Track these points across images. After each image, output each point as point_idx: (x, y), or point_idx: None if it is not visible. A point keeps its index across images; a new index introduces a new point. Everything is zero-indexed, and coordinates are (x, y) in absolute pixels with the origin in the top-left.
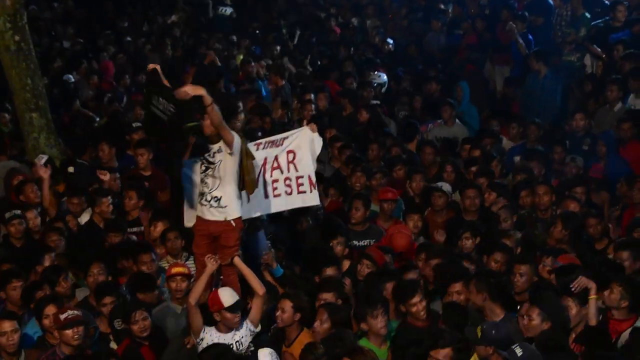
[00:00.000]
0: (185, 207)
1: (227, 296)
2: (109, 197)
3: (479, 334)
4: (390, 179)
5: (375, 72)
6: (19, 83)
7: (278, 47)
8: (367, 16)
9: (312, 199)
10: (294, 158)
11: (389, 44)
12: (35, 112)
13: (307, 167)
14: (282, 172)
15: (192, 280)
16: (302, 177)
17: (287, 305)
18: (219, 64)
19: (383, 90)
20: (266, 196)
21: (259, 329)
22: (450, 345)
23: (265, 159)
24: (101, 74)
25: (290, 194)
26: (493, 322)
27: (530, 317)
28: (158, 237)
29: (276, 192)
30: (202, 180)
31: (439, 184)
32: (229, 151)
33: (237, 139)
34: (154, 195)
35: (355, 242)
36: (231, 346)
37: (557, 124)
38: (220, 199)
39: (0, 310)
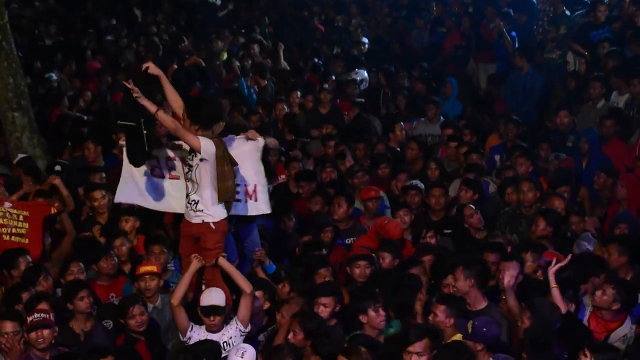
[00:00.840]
0: (120, 183)
1: (207, 297)
2: (102, 191)
3: (469, 329)
4: (374, 177)
5: (355, 70)
6: (1, 82)
7: (255, 46)
8: (352, 15)
9: (248, 208)
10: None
11: (364, 43)
12: (17, 112)
13: (246, 176)
14: None
15: (162, 278)
16: (238, 185)
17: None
18: (204, 65)
19: (362, 87)
20: None
21: (249, 328)
22: (425, 335)
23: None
24: (85, 73)
25: None
26: (485, 318)
27: (522, 321)
28: (129, 232)
29: None
30: (185, 183)
31: (414, 181)
32: (200, 156)
33: (207, 145)
34: None
35: (347, 241)
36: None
37: (538, 120)
38: (197, 203)
39: None
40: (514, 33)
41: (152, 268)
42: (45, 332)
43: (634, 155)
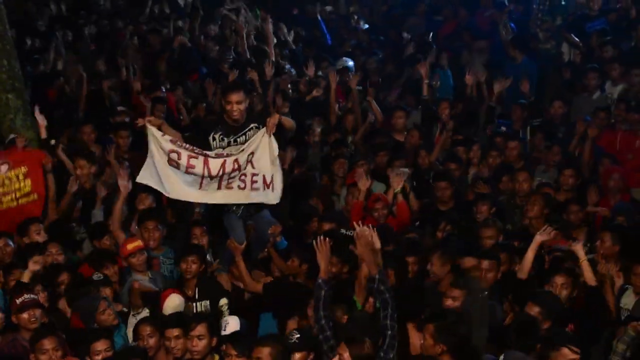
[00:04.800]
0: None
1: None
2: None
3: None
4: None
5: (343, 58)
6: None
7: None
8: (351, 3)
9: (264, 196)
10: (252, 157)
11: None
12: (11, 93)
13: (264, 167)
14: (240, 170)
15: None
16: (257, 174)
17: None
18: (189, 44)
19: (351, 75)
20: (219, 188)
21: None
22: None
23: (225, 161)
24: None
25: (244, 188)
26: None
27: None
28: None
29: (229, 186)
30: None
31: (400, 168)
32: None
33: None
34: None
35: (343, 231)
36: None
37: (534, 111)
38: None
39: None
40: (512, 24)
41: (139, 243)
42: (37, 311)
43: (633, 147)
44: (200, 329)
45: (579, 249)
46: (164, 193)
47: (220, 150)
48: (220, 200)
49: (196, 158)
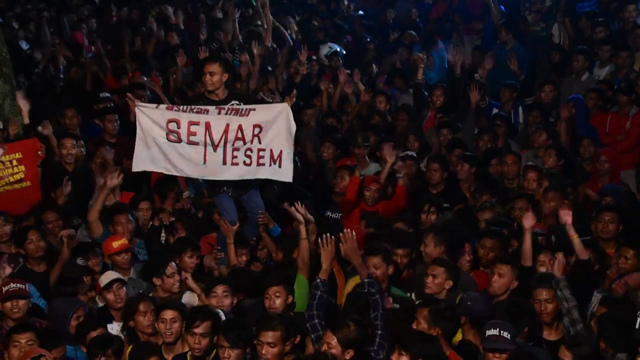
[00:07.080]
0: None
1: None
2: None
3: (457, 301)
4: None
5: (327, 44)
6: None
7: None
8: None
9: (271, 172)
10: (259, 132)
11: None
12: None
13: (274, 141)
14: (244, 143)
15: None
16: (264, 150)
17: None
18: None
19: (340, 59)
20: (224, 163)
21: None
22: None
23: (228, 125)
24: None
25: (249, 164)
26: (473, 293)
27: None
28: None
29: (234, 161)
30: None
31: (408, 152)
32: None
33: None
34: (119, 162)
35: (329, 214)
36: None
37: (525, 94)
38: None
39: None
40: (502, 6)
41: (124, 241)
42: (21, 302)
43: (624, 129)
44: (205, 327)
45: (569, 227)
46: (165, 172)
47: (222, 105)
48: (226, 176)
49: (197, 124)
